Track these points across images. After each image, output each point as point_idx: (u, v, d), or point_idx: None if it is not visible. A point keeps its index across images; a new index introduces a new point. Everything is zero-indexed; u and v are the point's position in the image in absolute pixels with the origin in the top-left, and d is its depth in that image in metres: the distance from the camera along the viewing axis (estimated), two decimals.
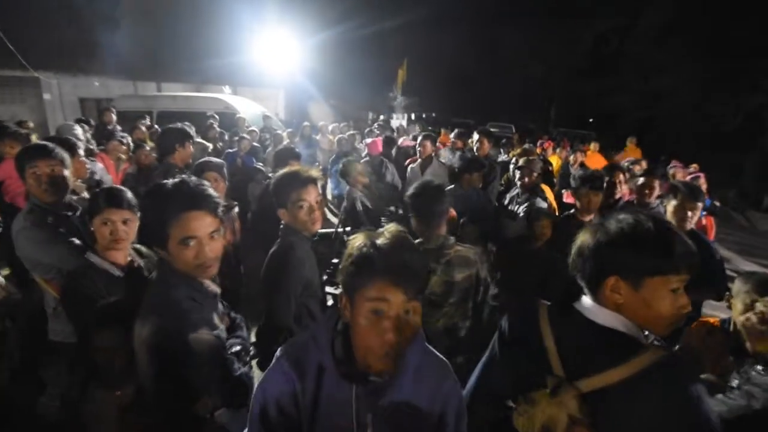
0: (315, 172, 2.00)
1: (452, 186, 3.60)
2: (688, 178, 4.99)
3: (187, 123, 3.31)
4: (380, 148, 5.38)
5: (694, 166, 8.04)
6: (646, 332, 1.11)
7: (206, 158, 2.84)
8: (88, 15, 12.37)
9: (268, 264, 1.95)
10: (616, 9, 15.29)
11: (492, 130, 6.37)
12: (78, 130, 3.58)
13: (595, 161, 7.15)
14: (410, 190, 2.05)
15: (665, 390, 0.96)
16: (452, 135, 6.79)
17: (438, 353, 1.15)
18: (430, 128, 11.30)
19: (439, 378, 1.09)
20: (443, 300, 1.96)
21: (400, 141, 7.96)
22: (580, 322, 1.11)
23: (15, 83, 11.16)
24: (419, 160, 4.66)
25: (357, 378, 1.00)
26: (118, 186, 2.02)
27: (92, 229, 1.79)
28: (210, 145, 5.36)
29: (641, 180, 3.33)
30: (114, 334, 1.50)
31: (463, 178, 3.54)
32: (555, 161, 7.16)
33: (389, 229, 1.01)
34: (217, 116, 7.09)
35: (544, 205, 3.36)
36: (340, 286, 1.01)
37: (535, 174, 3.57)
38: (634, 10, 14.71)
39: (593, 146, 7.97)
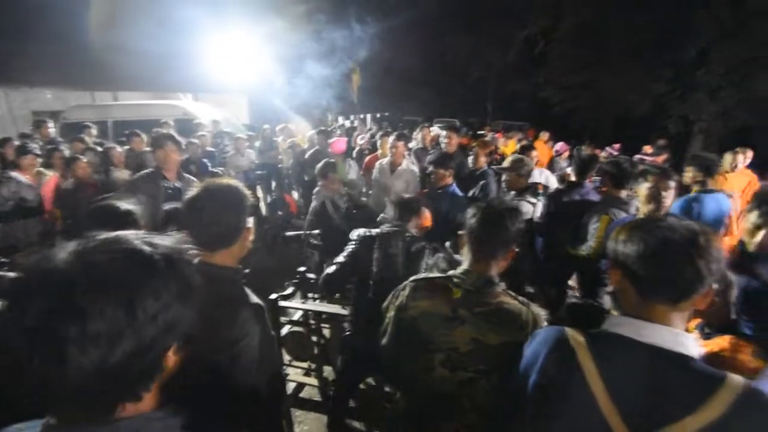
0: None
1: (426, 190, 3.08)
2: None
3: None
4: (344, 148, 4.73)
5: (616, 146, 7.91)
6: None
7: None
8: (37, 27, 10.58)
9: (228, 341, 1.11)
10: (541, 13, 15.22)
11: (439, 126, 5.95)
12: None
13: (542, 151, 6.82)
14: (475, 209, 1.28)
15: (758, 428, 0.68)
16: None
17: None
18: (384, 124, 10.73)
19: None
20: (469, 363, 1.20)
21: (358, 140, 7.33)
22: (637, 352, 0.76)
23: None
24: (388, 158, 3.97)
25: None
26: None
27: None
28: None
29: None
30: None
31: (438, 174, 2.96)
32: (502, 149, 6.77)
33: None
34: (171, 123, 6.07)
35: (530, 207, 2.84)
36: None
37: (523, 174, 3.03)
38: (556, 13, 14.67)
39: (543, 136, 7.66)
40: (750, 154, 4.43)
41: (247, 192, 1.29)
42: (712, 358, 1.41)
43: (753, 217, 1.55)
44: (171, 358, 0.63)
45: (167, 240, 0.65)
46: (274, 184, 6.39)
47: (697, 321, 1.53)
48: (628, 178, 2.47)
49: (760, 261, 1.47)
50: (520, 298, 1.25)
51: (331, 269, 1.99)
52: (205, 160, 4.95)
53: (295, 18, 14.22)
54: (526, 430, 0.87)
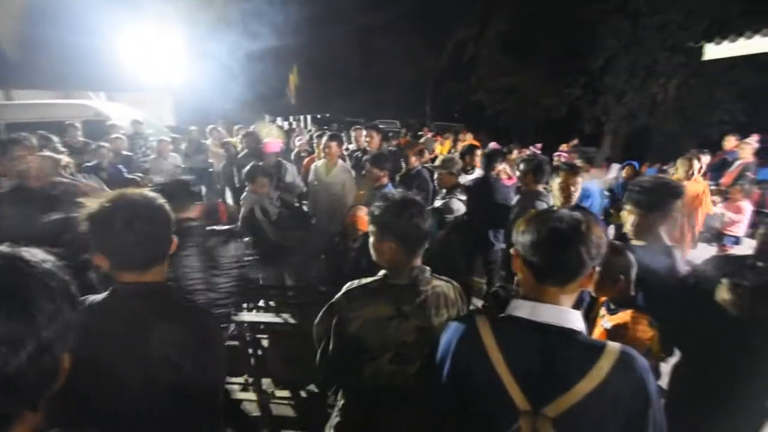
0: None
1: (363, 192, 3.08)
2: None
3: None
4: (276, 149, 4.55)
5: (538, 145, 8.65)
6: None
7: None
8: None
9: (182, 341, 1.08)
10: (469, 20, 16.11)
11: (381, 126, 6.11)
12: None
13: None
14: (386, 207, 1.29)
15: (631, 388, 0.79)
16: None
17: None
18: (325, 127, 10.61)
19: None
20: (416, 353, 1.26)
21: (296, 141, 7.16)
22: (532, 331, 0.85)
23: None
24: (323, 160, 3.88)
25: None
26: None
27: None
28: (63, 158, 3.94)
29: None
30: None
31: (372, 174, 2.98)
32: (440, 150, 7.04)
33: None
34: (78, 125, 5.42)
35: (460, 204, 2.97)
36: None
37: (453, 173, 3.16)
38: (482, 21, 15.62)
39: (468, 137, 8.09)
40: (705, 159, 4.00)
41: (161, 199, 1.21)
42: (617, 329, 1.58)
43: (628, 206, 1.82)
44: (65, 362, 0.62)
45: (38, 251, 0.64)
46: (204, 189, 6.00)
47: (604, 298, 1.72)
48: (545, 173, 2.73)
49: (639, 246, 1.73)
50: (443, 277, 1.35)
51: None
52: (120, 166, 4.50)
53: (222, 10, 13.45)
54: (446, 415, 0.91)
